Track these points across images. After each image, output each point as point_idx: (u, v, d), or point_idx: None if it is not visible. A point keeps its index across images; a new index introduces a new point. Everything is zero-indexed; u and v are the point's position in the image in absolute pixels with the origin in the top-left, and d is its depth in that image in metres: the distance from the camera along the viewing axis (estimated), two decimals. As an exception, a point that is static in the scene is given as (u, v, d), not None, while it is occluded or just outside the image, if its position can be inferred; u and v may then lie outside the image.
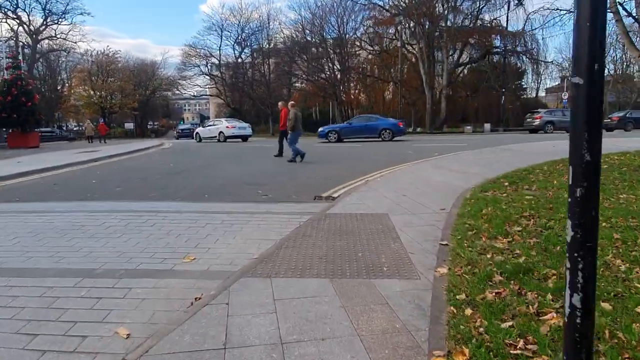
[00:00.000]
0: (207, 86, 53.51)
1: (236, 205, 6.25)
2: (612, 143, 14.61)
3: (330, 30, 39.62)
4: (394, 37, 38.96)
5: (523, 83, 44.70)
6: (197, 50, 49.78)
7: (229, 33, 49.10)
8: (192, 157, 15.85)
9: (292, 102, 14.92)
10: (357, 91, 42.40)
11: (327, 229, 4.67)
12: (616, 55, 41.08)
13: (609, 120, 28.16)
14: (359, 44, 40.74)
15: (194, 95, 58.79)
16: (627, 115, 27.60)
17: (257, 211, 5.77)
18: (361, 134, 23.48)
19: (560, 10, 13.40)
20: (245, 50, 49.10)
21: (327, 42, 39.81)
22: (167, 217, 5.42)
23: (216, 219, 5.24)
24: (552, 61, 41.74)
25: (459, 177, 8.28)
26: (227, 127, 27.90)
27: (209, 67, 51.17)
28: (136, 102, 56.08)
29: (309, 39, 41.87)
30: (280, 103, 15.11)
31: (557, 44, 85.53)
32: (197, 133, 30.67)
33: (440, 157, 12.36)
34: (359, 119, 25.70)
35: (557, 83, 55.82)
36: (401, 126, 23.65)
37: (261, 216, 5.44)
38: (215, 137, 28.06)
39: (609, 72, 41.43)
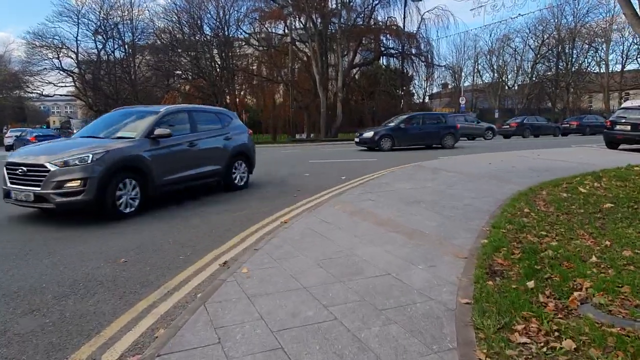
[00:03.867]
0: (59, 83, 43.95)
1: None
2: (553, 158, 11.97)
3: (211, 22, 34.17)
4: (283, 34, 34.89)
5: (415, 87, 43.75)
6: (46, 40, 40.49)
7: (87, 21, 40.69)
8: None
9: None
10: (243, 93, 37.37)
11: None
12: (503, 61, 41.98)
13: (508, 126, 27.20)
14: (243, 38, 35.85)
15: (41, 95, 48.25)
16: (524, 122, 26.78)
17: None
18: None
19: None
20: (110, 44, 41.12)
21: (206, 36, 34.23)
22: None
23: None
24: (444, 65, 41.17)
25: (408, 251, 4.11)
26: None
27: (62, 61, 41.99)
28: (-35, 103, 44.61)
29: (186, 30, 35.82)
30: None
31: (442, 51, 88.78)
32: None
33: (352, 186, 8.27)
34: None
35: (438, 90, 56.48)
36: (34, 140, 21.39)
37: None
38: None
39: (496, 79, 42.18)
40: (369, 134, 17.66)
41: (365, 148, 17.79)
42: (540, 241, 4.38)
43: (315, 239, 4.56)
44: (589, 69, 43.44)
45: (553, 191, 6.96)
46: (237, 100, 35.01)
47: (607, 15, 39.63)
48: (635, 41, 41.38)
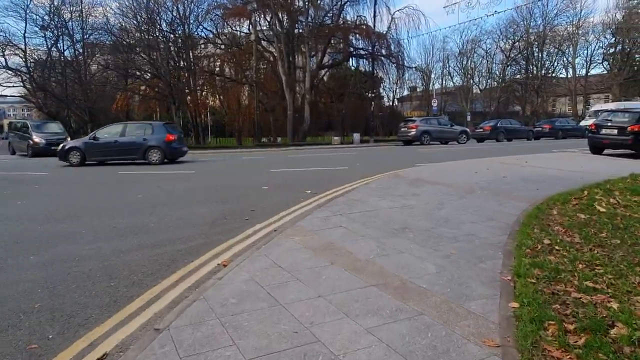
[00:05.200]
0: (5, 83, 40.50)
1: None
2: (553, 165, 10.76)
3: (168, 18, 31.87)
4: (248, 32, 33.07)
5: (386, 90, 42.79)
6: (-10, 36, 37.06)
7: (36, 16, 37.51)
8: None
9: None
10: (205, 94, 35.18)
11: None
12: (474, 63, 41.58)
13: (481, 130, 26.37)
14: (205, 37, 33.76)
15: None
16: (498, 125, 25.99)
17: None
18: None
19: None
20: (61, 42, 38.03)
21: (164, 32, 31.88)
22: None
23: None
24: (414, 66, 40.36)
25: (403, 329, 2.60)
26: None
27: (8, 59, 38.65)
28: None
29: (143, 27, 33.35)
30: None
31: (412, 54, 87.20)
32: None
33: (318, 203, 6.72)
34: None
35: (408, 93, 55.69)
36: None
37: None
38: None
39: (467, 81, 41.75)
40: (60, 145, 15.22)
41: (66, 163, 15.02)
42: (592, 300, 2.97)
43: (258, 305, 2.97)
44: (555, 72, 43.75)
45: (565, 210, 5.64)
46: (199, 101, 32.86)
47: (575, 18, 39.92)
48: (599, 45, 41.90)
